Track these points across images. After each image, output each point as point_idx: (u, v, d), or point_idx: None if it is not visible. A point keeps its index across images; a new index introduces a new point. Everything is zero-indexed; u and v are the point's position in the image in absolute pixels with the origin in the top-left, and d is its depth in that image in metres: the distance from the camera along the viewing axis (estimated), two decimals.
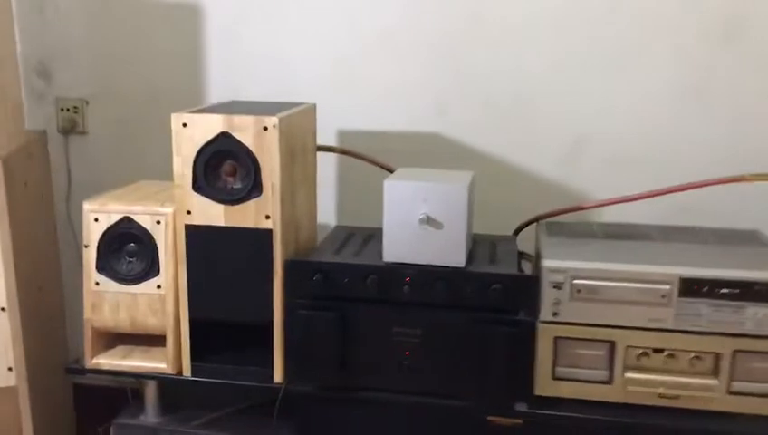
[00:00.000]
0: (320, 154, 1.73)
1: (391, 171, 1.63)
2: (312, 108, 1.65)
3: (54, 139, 2.03)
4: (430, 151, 1.84)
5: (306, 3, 1.85)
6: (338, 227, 1.74)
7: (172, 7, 1.92)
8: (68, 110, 2.05)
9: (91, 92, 2.01)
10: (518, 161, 1.83)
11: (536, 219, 1.66)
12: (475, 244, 1.57)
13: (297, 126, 1.52)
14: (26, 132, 1.76)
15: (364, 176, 1.81)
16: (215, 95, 1.94)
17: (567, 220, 1.67)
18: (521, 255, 1.62)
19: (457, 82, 1.81)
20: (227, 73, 1.93)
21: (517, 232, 1.68)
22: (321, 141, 1.74)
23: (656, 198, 1.58)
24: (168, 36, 1.93)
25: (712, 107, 1.72)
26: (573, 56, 1.75)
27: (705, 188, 1.57)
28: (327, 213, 1.92)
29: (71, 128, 2.05)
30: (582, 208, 1.63)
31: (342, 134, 1.89)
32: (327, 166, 1.88)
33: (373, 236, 1.60)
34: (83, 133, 2.06)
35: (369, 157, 1.74)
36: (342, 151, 1.75)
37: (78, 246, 2.01)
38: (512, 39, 1.77)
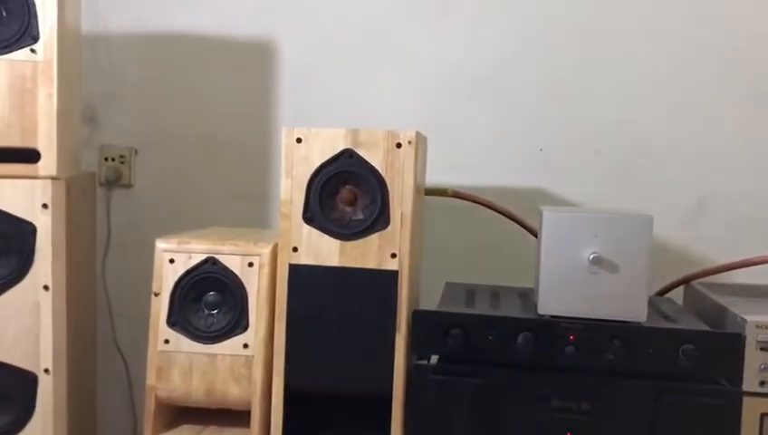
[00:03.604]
0: None
1: (515, 219, 1.38)
2: (426, 141, 1.41)
3: (96, 191, 1.77)
4: (534, 210, 1.60)
5: (391, 47, 1.65)
6: (450, 284, 1.45)
7: (241, 47, 1.72)
8: (113, 159, 1.80)
9: (140, 141, 1.77)
10: None
11: (688, 280, 1.40)
12: None
13: (424, 154, 1.27)
14: (84, 175, 1.50)
15: (465, 228, 1.55)
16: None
17: (713, 282, 1.42)
18: None
19: (562, 129, 1.60)
20: (299, 119, 1.70)
21: (662, 293, 1.41)
22: None
23: None
24: (234, 77, 1.72)
25: None
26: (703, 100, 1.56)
27: None
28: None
29: (115, 180, 1.79)
30: (749, 265, 1.37)
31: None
32: None
33: (500, 293, 1.32)
34: (129, 186, 1.79)
35: (486, 200, 1.48)
36: (455, 195, 1.49)
37: (111, 318, 1.71)
38: (627, 80, 1.58)
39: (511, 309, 1.21)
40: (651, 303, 1.29)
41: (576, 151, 1.62)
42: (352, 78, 1.68)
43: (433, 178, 1.59)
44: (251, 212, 1.70)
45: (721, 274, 1.45)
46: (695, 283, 1.41)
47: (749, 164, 1.57)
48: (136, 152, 1.79)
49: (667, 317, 1.20)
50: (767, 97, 1.55)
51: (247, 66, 1.72)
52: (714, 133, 1.57)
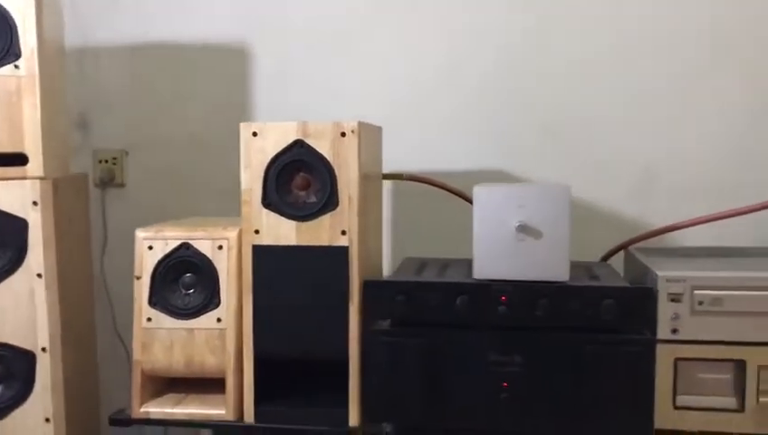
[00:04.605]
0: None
1: (466, 198, 1.51)
2: (380, 130, 1.55)
3: (91, 192, 1.91)
4: None
5: (360, 45, 1.78)
6: (407, 259, 1.59)
7: (218, 51, 1.85)
8: (106, 161, 1.94)
9: (130, 143, 1.92)
10: (587, 194, 1.71)
11: (625, 245, 1.52)
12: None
13: (371, 141, 1.41)
14: (74, 176, 1.65)
15: (425, 210, 1.68)
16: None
17: (654, 246, 1.53)
18: None
19: (518, 112, 1.72)
20: (277, 117, 1.84)
21: (605, 259, 1.53)
22: None
23: (736, 224, 1.46)
24: (213, 81, 1.86)
25: None
26: (643, 77, 1.68)
27: None
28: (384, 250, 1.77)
29: (109, 180, 1.94)
30: (676, 228, 1.50)
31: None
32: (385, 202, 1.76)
33: (450, 264, 1.45)
34: (121, 186, 1.94)
35: (442, 183, 1.62)
36: (411, 178, 1.63)
37: (111, 308, 1.86)
38: (576, 62, 1.70)
39: (453, 276, 1.34)
40: (587, 267, 1.42)
41: (528, 132, 1.73)
42: (323, 76, 1.80)
43: (403, 164, 1.71)
44: (234, 205, 1.83)
45: (666, 238, 1.57)
46: (632, 247, 1.53)
47: (693, 133, 1.67)
48: (126, 154, 1.94)
49: (593, 277, 1.33)
50: (708, 68, 1.65)
51: (224, 70, 1.85)
52: (658, 104, 1.67)
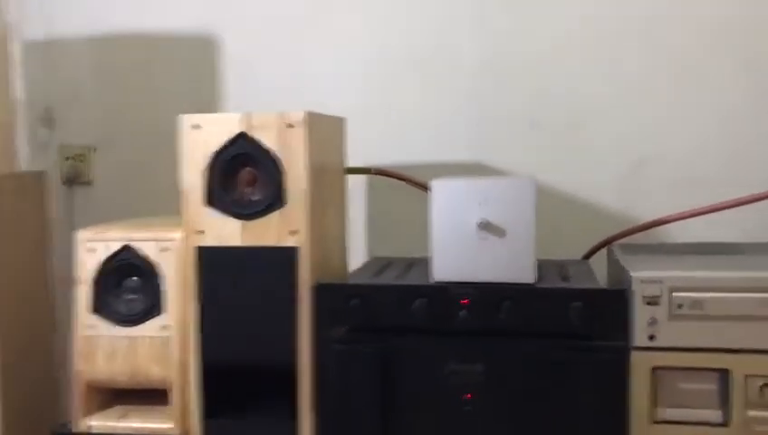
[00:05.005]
0: (350, 187, 1.52)
1: None
2: (341, 121, 1.45)
3: (58, 190, 1.83)
4: None
5: (328, 30, 1.68)
6: (374, 259, 1.49)
7: (183, 41, 1.76)
8: (73, 158, 1.86)
9: (98, 139, 1.83)
10: (571, 189, 1.60)
11: (608, 241, 1.41)
12: (540, 267, 1.31)
13: (326, 133, 1.31)
14: (20, 175, 1.56)
15: (401, 205, 1.59)
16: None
17: (640, 242, 1.42)
18: None
19: (500, 105, 1.61)
20: (245, 108, 1.75)
21: (587, 257, 1.42)
22: (351, 180, 1.55)
23: (726, 218, 1.35)
24: (180, 73, 1.77)
25: None
26: (633, 68, 1.56)
27: None
28: (357, 250, 1.67)
29: (75, 177, 1.86)
30: (661, 223, 1.39)
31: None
32: (357, 198, 1.66)
33: (415, 263, 1.35)
34: (88, 183, 1.86)
35: (409, 176, 1.51)
36: (379, 172, 1.53)
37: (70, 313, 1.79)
38: (559, 50, 1.59)
39: (414, 277, 1.24)
40: (562, 265, 1.31)
41: (512, 123, 1.63)
42: (292, 65, 1.71)
43: (377, 156, 1.63)
44: None
45: (654, 233, 1.46)
46: (615, 244, 1.42)
47: (684, 128, 1.56)
48: (94, 150, 1.86)
49: (565, 278, 1.22)
50: (697, 60, 1.54)
51: (192, 61, 1.77)
52: (647, 98, 1.57)
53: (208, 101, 1.76)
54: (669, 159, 1.56)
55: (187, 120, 1.21)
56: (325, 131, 1.30)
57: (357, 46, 1.67)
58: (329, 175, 1.32)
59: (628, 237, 1.45)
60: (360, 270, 1.37)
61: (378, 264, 1.41)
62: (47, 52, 1.85)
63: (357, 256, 1.60)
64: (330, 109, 1.67)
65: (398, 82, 1.66)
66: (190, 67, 1.77)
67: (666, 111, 1.57)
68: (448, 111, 1.64)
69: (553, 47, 1.59)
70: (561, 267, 1.30)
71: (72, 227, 1.86)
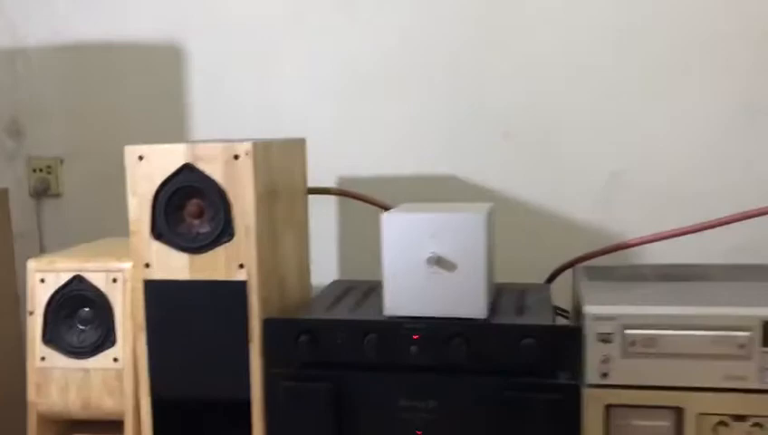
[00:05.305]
0: (319, 204, 1.52)
1: None
2: (301, 142, 1.42)
3: (25, 203, 1.81)
4: (446, 196, 1.59)
5: (296, 40, 1.65)
6: (336, 282, 1.47)
7: (150, 52, 1.73)
8: (41, 170, 1.84)
9: (66, 151, 1.81)
10: (546, 202, 1.57)
11: (572, 263, 1.38)
12: (499, 294, 1.29)
13: (279, 159, 1.28)
14: None
15: (371, 224, 1.56)
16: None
17: (608, 264, 1.40)
18: (555, 309, 1.33)
19: (471, 117, 1.58)
20: (214, 121, 1.73)
21: (551, 280, 1.40)
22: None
23: (708, 235, 1.31)
24: (147, 84, 1.74)
25: (757, 134, 1.48)
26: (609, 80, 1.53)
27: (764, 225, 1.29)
28: (329, 270, 1.65)
29: (44, 190, 1.83)
30: (625, 247, 1.36)
31: (344, 181, 1.65)
32: (327, 217, 1.63)
33: (375, 288, 1.32)
34: (57, 196, 1.84)
35: (370, 197, 1.49)
36: (340, 193, 1.50)
37: None
38: (534, 62, 1.55)
39: (367, 309, 1.22)
40: (521, 293, 1.29)
41: (485, 136, 1.60)
42: (260, 75, 1.68)
43: (349, 169, 1.62)
44: None
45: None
46: (580, 266, 1.39)
47: (659, 141, 1.53)
48: (62, 162, 1.83)
49: (520, 309, 1.20)
50: (671, 72, 1.51)
51: (159, 73, 1.74)
52: (622, 110, 1.53)
53: (176, 112, 1.73)
54: (643, 174, 1.53)
55: (132, 151, 1.18)
56: (278, 157, 1.27)
57: (328, 58, 1.64)
58: (285, 199, 1.29)
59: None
60: (319, 297, 1.35)
61: (339, 288, 1.39)
62: (12, 62, 1.82)
63: (328, 276, 1.58)
64: (298, 119, 1.65)
65: (369, 94, 1.63)
66: (157, 77, 1.74)
67: (640, 126, 1.53)
68: (422, 123, 1.62)
69: (526, 60, 1.56)
70: (520, 295, 1.28)
71: (42, 239, 1.86)
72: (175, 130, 1.74)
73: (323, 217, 1.64)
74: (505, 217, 1.57)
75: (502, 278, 1.36)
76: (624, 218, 1.54)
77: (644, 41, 1.51)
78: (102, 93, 1.78)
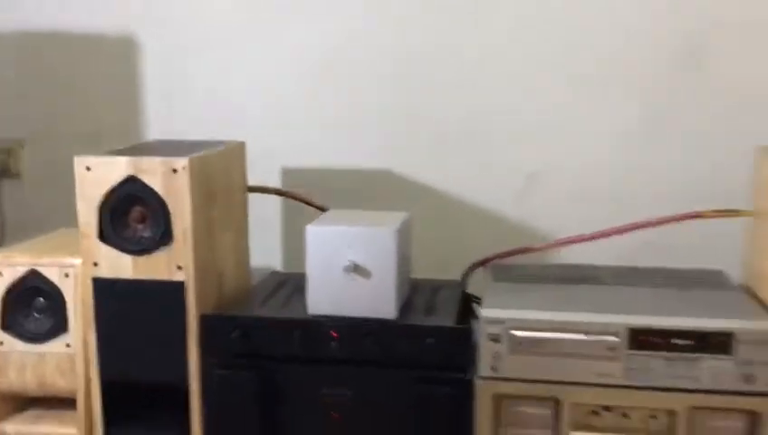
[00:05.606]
0: (265, 197, 1.63)
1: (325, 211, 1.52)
2: (241, 146, 1.54)
3: None
4: (381, 190, 1.74)
5: (247, 35, 1.76)
6: (273, 274, 1.61)
7: (106, 40, 1.82)
8: (0, 152, 1.93)
9: (26, 134, 1.90)
10: (473, 199, 1.72)
11: (483, 262, 1.54)
12: (416, 291, 1.44)
13: (217, 166, 1.40)
14: None
15: (309, 217, 1.70)
16: (155, 132, 1.84)
17: (520, 262, 1.55)
18: (472, 301, 1.49)
19: (407, 115, 1.71)
20: (167, 109, 1.83)
21: (465, 276, 1.55)
22: (264, 181, 1.64)
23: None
24: (105, 72, 1.84)
25: (670, 139, 1.63)
26: (532, 85, 1.67)
27: (669, 225, 1.45)
28: (273, 257, 1.80)
29: (3, 171, 1.93)
30: (529, 251, 1.52)
31: (287, 173, 1.78)
32: (271, 207, 1.76)
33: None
34: (17, 176, 1.94)
35: (303, 197, 1.63)
36: (276, 192, 1.63)
37: None
38: (466, 68, 1.68)
39: (295, 306, 1.37)
40: (434, 290, 1.44)
41: (420, 134, 1.73)
42: (210, 70, 1.78)
43: (288, 162, 1.74)
44: None
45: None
46: (490, 264, 1.55)
47: (576, 139, 1.67)
48: (22, 145, 1.93)
49: (429, 309, 1.36)
50: (585, 82, 1.64)
51: (115, 60, 1.82)
52: (541, 116, 1.67)
53: (131, 101, 1.83)
54: (566, 175, 1.67)
55: (80, 162, 1.30)
56: (216, 164, 1.40)
57: (277, 52, 1.74)
58: (223, 202, 1.43)
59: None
60: (255, 290, 1.49)
61: (272, 282, 1.53)
62: None
63: (275, 263, 1.74)
64: (245, 110, 1.76)
65: (316, 91, 1.74)
66: (112, 66, 1.82)
67: (555, 131, 1.67)
68: (363, 120, 1.73)
69: (460, 67, 1.68)
70: (432, 293, 1.44)
71: (3, 219, 1.97)
72: (130, 119, 1.84)
73: (270, 208, 1.77)
74: (433, 212, 1.72)
75: (426, 272, 1.51)
76: (540, 218, 1.69)
77: (564, 54, 1.64)
78: (61, 80, 1.86)
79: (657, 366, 1.21)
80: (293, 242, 1.78)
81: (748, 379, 1.19)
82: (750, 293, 1.36)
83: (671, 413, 1.22)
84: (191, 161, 1.28)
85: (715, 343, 1.19)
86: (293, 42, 1.74)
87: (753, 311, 1.26)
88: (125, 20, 1.80)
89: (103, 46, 1.82)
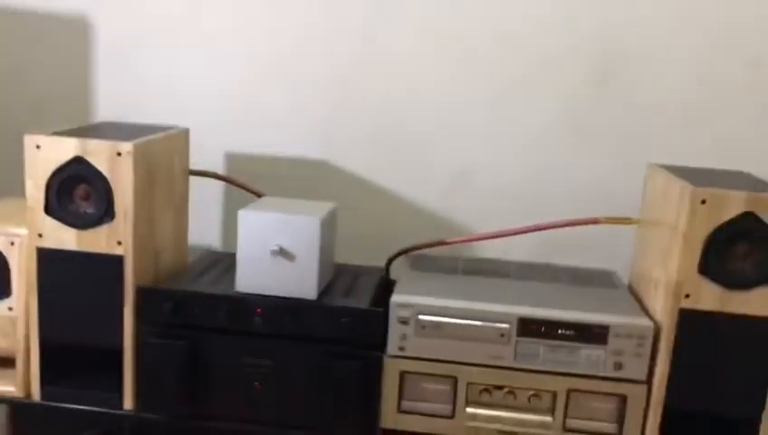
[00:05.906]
0: (204, 179, 1.74)
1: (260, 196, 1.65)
2: (185, 132, 1.65)
3: None
4: (317, 179, 1.87)
5: (200, 25, 1.86)
6: (209, 252, 1.74)
7: (59, 20, 1.90)
8: None
9: None
10: (403, 192, 1.87)
11: (403, 252, 1.69)
12: (340, 275, 1.58)
13: (160, 150, 1.52)
14: None
15: (247, 201, 1.82)
16: (102, 114, 1.93)
17: (437, 254, 1.71)
18: (389, 284, 1.63)
19: (345, 110, 1.84)
20: (117, 92, 1.93)
21: (388, 264, 1.70)
22: (208, 165, 1.76)
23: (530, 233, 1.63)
24: (56, 51, 1.92)
25: (580, 147, 1.79)
26: (459, 90, 1.81)
27: (575, 227, 1.62)
28: (212, 237, 1.92)
29: None
30: (443, 244, 1.67)
31: (230, 158, 1.90)
32: (212, 190, 1.88)
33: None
34: None
35: (241, 182, 1.75)
36: (215, 176, 1.75)
37: None
38: (399, 70, 1.81)
39: (224, 284, 1.50)
40: (355, 275, 1.59)
41: (355, 129, 1.86)
42: (162, 56, 1.88)
43: (232, 148, 1.86)
44: None
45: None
46: (411, 254, 1.70)
47: (498, 141, 1.82)
48: None
49: (348, 292, 1.50)
50: (511, 86, 1.79)
51: (65, 41, 1.90)
52: (472, 112, 1.81)
53: (81, 83, 1.91)
54: (487, 174, 1.82)
55: (30, 140, 1.40)
56: (160, 149, 1.51)
57: (225, 42, 1.85)
58: (165, 184, 1.54)
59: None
60: (190, 267, 1.61)
61: (208, 259, 1.66)
62: None
63: (213, 242, 1.87)
64: (192, 96, 1.86)
65: (260, 85, 1.86)
66: (63, 46, 1.91)
67: (487, 131, 1.82)
68: (303, 114, 1.86)
69: (394, 69, 1.81)
70: (354, 278, 1.58)
71: None
72: (79, 99, 1.93)
73: (211, 191, 1.89)
74: (365, 202, 1.87)
75: (354, 258, 1.66)
76: (462, 213, 1.85)
77: (495, 57, 1.79)
78: (9, 56, 1.94)
79: (541, 352, 1.38)
80: (231, 224, 1.90)
81: (618, 367, 1.36)
82: (633, 292, 1.54)
83: (552, 394, 1.39)
84: (135, 146, 1.39)
85: (593, 334, 1.36)
86: (244, 34, 1.86)
87: (629, 308, 1.44)
88: (76, 4, 1.89)
89: (52, 27, 1.90)
